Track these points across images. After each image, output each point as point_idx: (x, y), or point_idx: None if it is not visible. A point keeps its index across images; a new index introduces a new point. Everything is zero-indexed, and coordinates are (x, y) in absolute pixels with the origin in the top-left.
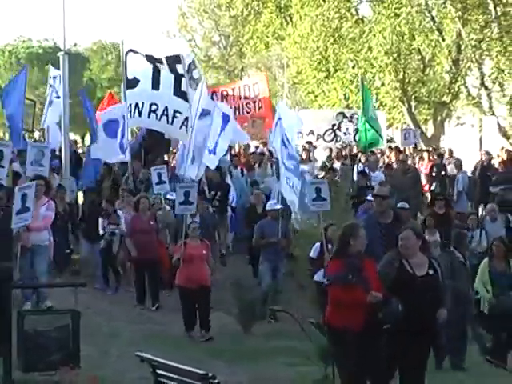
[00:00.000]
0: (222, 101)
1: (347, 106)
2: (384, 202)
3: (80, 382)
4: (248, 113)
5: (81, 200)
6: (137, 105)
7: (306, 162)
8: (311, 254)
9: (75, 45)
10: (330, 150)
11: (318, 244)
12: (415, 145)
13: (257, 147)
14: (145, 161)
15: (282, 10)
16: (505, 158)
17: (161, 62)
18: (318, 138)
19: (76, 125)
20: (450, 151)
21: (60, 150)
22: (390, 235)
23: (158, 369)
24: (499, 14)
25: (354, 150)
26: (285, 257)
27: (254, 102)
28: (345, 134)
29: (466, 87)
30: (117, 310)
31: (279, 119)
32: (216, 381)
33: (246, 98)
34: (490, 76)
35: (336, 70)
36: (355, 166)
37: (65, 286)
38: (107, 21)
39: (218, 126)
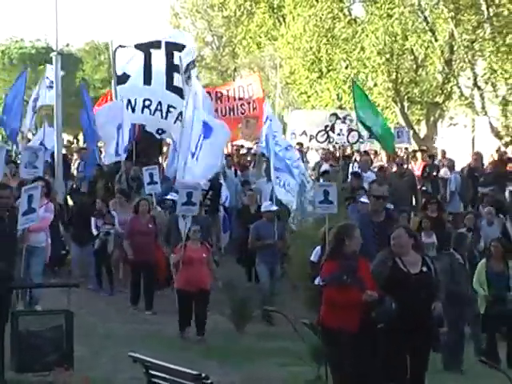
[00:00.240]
0: (217, 102)
1: (340, 107)
2: (382, 202)
3: (73, 382)
4: (242, 114)
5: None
6: (129, 101)
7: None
8: (312, 258)
9: (68, 45)
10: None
11: (318, 248)
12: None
13: (249, 148)
14: (136, 164)
15: (275, 11)
16: (496, 159)
17: (157, 47)
18: (310, 139)
19: (69, 126)
20: (443, 152)
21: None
22: (382, 234)
23: (150, 369)
24: (492, 14)
25: (348, 151)
26: (280, 258)
27: (249, 103)
28: (338, 134)
29: (459, 87)
30: (110, 311)
31: (270, 120)
32: (209, 381)
33: (240, 99)
34: (482, 76)
35: (329, 71)
36: (350, 167)
37: (58, 286)
38: (100, 21)
39: (198, 132)
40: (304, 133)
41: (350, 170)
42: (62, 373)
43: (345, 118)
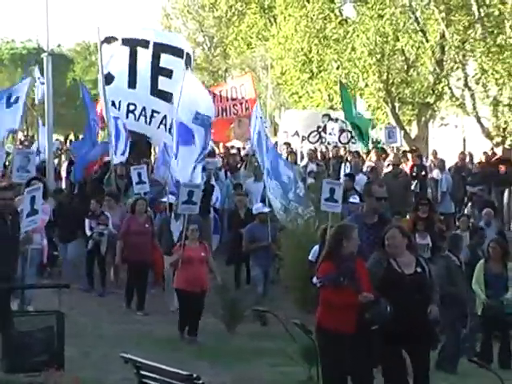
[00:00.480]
0: None
1: (331, 107)
2: (383, 203)
3: (64, 383)
4: (235, 114)
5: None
6: (113, 103)
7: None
8: (310, 257)
9: (59, 46)
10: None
11: (316, 247)
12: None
13: (238, 149)
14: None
15: (266, 11)
16: (485, 159)
17: (145, 46)
18: (302, 140)
19: (60, 126)
20: (435, 152)
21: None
22: (375, 236)
23: (142, 370)
24: (482, 15)
25: (342, 151)
26: (273, 260)
27: (241, 104)
28: (330, 134)
29: (450, 88)
30: (101, 312)
31: (261, 117)
32: (200, 381)
33: (233, 99)
34: (473, 77)
35: (320, 71)
36: (341, 167)
37: (49, 287)
38: (91, 22)
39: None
40: (296, 133)
41: (342, 170)
42: (53, 373)
43: (337, 119)
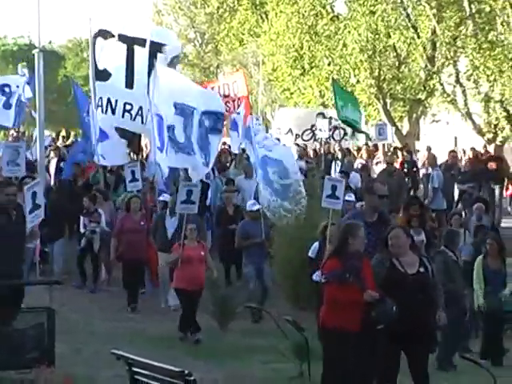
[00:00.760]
0: None
1: (323, 104)
2: (384, 201)
3: (55, 380)
4: (228, 111)
5: None
6: (109, 100)
7: None
8: (310, 254)
9: (50, 42)
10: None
11: (316, 243)
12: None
13: (229, 146)
14: None
15: (258, 8)
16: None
17: (142, 45)
18: (296, 138)
19: (51, 123)
20: (429, 149)
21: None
22: (375, 234)
23: (133, 366)
24: (474, 11)
25: (334, 148)
26: (266, 258)
27: (234, 101)
28: (320, 130)
29: (441, 84)
30: (93, 309)
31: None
32: (192, 378)
33: (225, 96)
34: (465, 73)
35: (311, 68)
36: (332, 164)
37: (40, 283)
38: (82, 18)
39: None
40: (290, 131)
41: (333, 167)
42: (44, 370)
43: (331, 117)
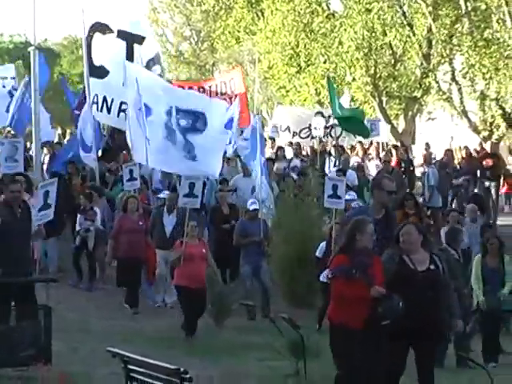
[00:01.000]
0: None
1: (319, 101)
2: (392, 197)
3: (51, 377)
4: None
5: None
6: (105, 99)
7: (281, 159)
8: (317, 254)
9: (46, 40)
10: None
11: (323, 243)
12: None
13: None
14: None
15: (254, 5)
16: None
17: (140, 43)
18: (293, 135)
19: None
20: (427, 146)
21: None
22: (381, 231)
23: (129, 364)
24: (469, 9)
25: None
26: (264, 256)
27: (231, 98)
28: (315, 128)
29: (437, 82)
30: (89, 307)
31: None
32: (188, 376)
33: (222, 94)
34: (460, 71)
35: (307, 65)
36: (327, 162)
37: (36, 281)
38: (77, 16)
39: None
40: (288, 129)
41: (327, 164)
42: (40, 368)
43: (330, 115)
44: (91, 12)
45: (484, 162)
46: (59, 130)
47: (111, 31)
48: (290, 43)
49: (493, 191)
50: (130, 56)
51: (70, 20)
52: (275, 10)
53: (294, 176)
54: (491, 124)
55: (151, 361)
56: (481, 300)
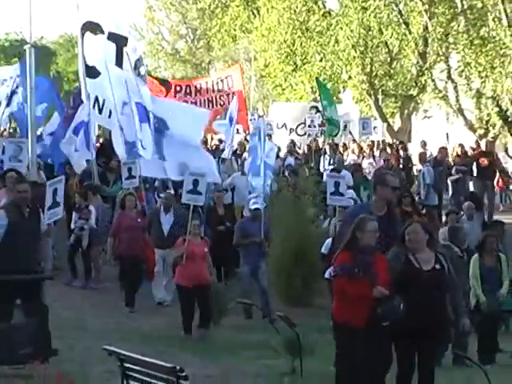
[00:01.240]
0: (196, 94)
1: (314, 100)
2: (396, 193)
3: (48, 375)
4: (222, 105)
5: None
6: (97, 99)
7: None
8: (323, 250)
9: (41, 38)
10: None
11: (329, 240)
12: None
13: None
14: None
15: (249, 3)
16: (461, 152)
17: (125, 44)
18: (290, 132)
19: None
20: (423, 143)
21: None
22: (383, 228)
23: (125, 362)
24: (465, 7)
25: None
26: (263, 257)
27: (228, 95)
28: (309, 126)
29: (433, 80)
30: (85, 305)
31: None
32: (184, 374)
33: (219, 90)
34: (456, 69)
35: (303, 63)
36: (321, 160)
37: (32, 279)
38: (74, 14)
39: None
40: (284, 125)
41: (321, 162)
42: (37, 366)
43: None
44: (86, 9)
45: (480, 161)
46: None
47: (102, 32)
48: (285, 41)
49: (489, 190)
50: (119, 58)
51: (65, 18)
52: (271, 8)
53: (287, 174)
54: (487, 122)
55: (147, 359)
56: (482, 300)
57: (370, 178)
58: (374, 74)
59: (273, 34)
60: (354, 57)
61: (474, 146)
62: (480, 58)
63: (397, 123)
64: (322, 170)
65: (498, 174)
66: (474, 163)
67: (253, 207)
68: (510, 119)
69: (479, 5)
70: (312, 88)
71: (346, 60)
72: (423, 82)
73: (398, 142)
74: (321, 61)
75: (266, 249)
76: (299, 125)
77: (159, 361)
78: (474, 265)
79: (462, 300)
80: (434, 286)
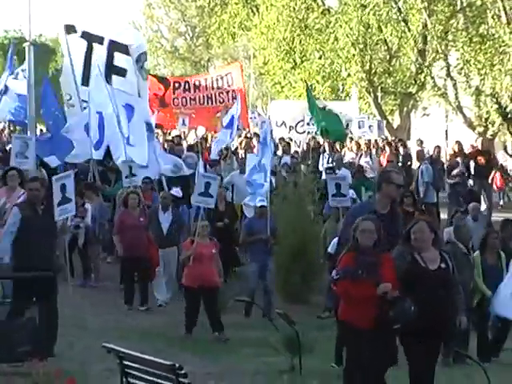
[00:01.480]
0: (195, 90)
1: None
2: (400, 191)
3: (46, 373)
4: (221, 103)
5: None
6: (70, 97)
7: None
8: (329, 250)
9: (40, 35)
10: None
11: (335, 239)
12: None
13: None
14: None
15: (249, 1)
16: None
17: (100, 43)
18: (290, 130)
19: (41, 116)
20: (421, 141)
21: None
22: (386, 227)
23: (124, 360)
24: (465, 4)
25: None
26: (270, 255)
27: (227, 92)
28: (308, 124)
29: (432, 78)
30: (84, 304)
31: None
32: (183, 371)
33: (218, 88)
34: (455, 67)
35: (302, 61)
36: (320, 159)
37: (32, 277)
38: (73, 11)
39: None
40: (284, 123)
41: (321, 160)
42: (36, 364)
43: (325, 106)
44: (86, 7)
45: (477, 160)
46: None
47: (75, 31)
48: (285, 39)
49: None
50: (89, 56)
51: (65, 16)
52: (270, 6)
53: (284, 173)
54: (486, 120)
55: (146, 356)
56: (488, 294)
57: (368, 177)
58: (374, 71)
59: (272, 32)
60: (354, 54)
61: (475, 144)
62: (479, 56)
63: (396, 121)
64: (320, 168)
65: (493, 173)
66: (471, 162)
67: (259, 204)
68: (509, 116)
69: (478, 2)
70: (311, 86)
71: (345, 58)
72: (422, 80)
73: (397, 140)
74: (320, 58)
75: (273, 246)
76: (298, 122)
77: (158, 359)
78: (477, 262)
79: (462, 297)
80: (440, 286)
